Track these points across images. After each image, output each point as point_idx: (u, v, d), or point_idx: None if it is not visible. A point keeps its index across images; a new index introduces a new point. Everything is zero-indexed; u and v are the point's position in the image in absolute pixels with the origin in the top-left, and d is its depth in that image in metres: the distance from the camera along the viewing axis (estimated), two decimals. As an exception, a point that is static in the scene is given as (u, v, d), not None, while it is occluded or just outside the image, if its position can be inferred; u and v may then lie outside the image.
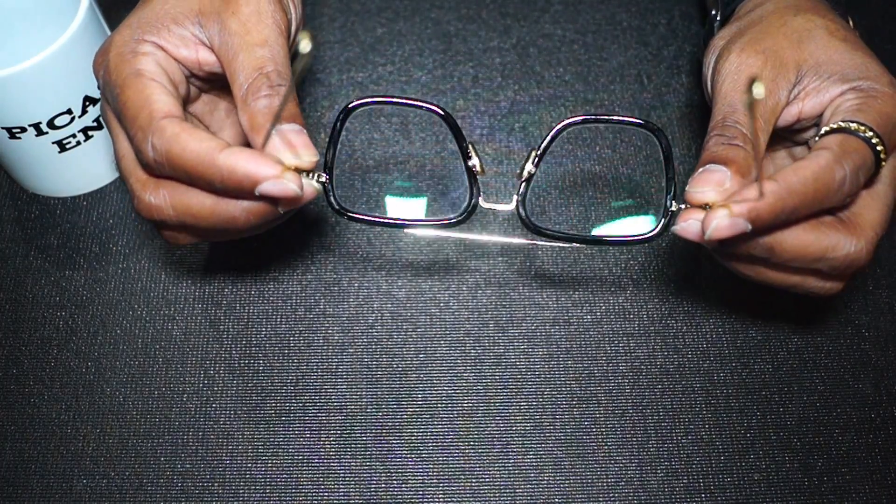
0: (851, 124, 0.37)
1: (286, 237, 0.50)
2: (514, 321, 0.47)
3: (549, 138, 0.39)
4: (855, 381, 0.46)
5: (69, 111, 0.47)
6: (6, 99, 0.44)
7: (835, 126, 0.38)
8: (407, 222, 0.40)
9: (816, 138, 0.39)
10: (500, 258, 0.49)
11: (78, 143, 0.49)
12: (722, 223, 0.35)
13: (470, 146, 0.39)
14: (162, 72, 0.39)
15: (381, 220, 0.40)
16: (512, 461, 0.44)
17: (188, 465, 0.44)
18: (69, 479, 0.43)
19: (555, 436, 0.44)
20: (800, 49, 0.40)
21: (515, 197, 0.40)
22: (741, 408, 0.45)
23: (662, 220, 0.39)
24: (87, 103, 0.47)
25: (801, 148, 0.43)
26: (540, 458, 0.44)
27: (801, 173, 0.36)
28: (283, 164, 0.36)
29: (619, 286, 0.49)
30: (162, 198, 0.38)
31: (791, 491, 0.43)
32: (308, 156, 0.37)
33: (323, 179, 0.38)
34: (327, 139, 0.39)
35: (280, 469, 0.44)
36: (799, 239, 0.37)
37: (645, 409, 0.45)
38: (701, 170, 0.38)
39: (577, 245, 0.41)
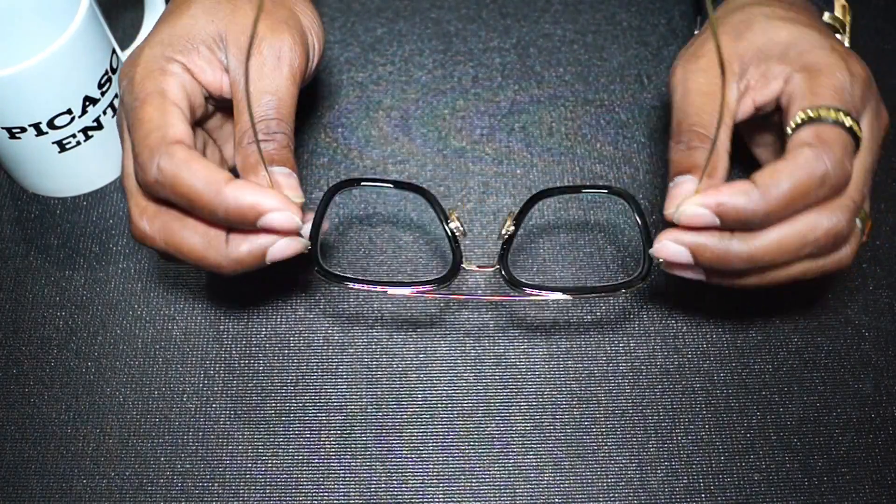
0: (818, 111, 0.37)
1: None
2: (514, 321, 0.47)
3: (521, 207, 0.42)
4: (855, 382, 0.46)
5: (69, 111, 0.47)
6: (6, 99, 0.44)
7: (803, 118, 0.38)
8: (390, 284, 0.41)
9: (789, 129, 0.38)
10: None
11: (78, 143, 0.49)
12: (689, 210, 0.37)
13: (451, 212, 0.41)
14: (185, 97, 0.40)
15: (364, 282, 0.41)
16: (512, 461, 0.44)
17: (188, 465, 0.44)
18: (69, 479, 0.43)
19: (555, 436, 0.44)
20: (738, 42, 0.41)
21: (496, 260, 0.42)
22: (741, 408, 0.45)
23: (644, 266, 0.40)
24: (87, 103, 0.47)
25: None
26: (540, 458, 0.44)
27: (777, 178, 0.36)
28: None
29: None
30: (156, 230, 0.39)
31: (791, 491, 0.43)
32: (294, 198, 0.38)
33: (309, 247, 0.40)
34: (315, 213, 0.41)
35: (280, 469, 0.44)
36: (770, 238, 0.37)
37: (645, 409, 0.45)
38: (671, 185, 0.39)
39: (562, 297, 0.43)
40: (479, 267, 0.42)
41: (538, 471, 0.43)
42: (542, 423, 0.45)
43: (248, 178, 0.39)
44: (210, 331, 0.47)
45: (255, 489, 0.43)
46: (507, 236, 0.41)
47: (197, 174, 0.37)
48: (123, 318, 0.48)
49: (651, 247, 0.39)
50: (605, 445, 0.44)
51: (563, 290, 0.41)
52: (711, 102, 0.39)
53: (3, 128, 0.46)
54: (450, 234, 0.41)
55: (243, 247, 0.38)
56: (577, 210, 0.51)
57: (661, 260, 0.39)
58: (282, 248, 0.39)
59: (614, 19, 0.59)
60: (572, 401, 0.45)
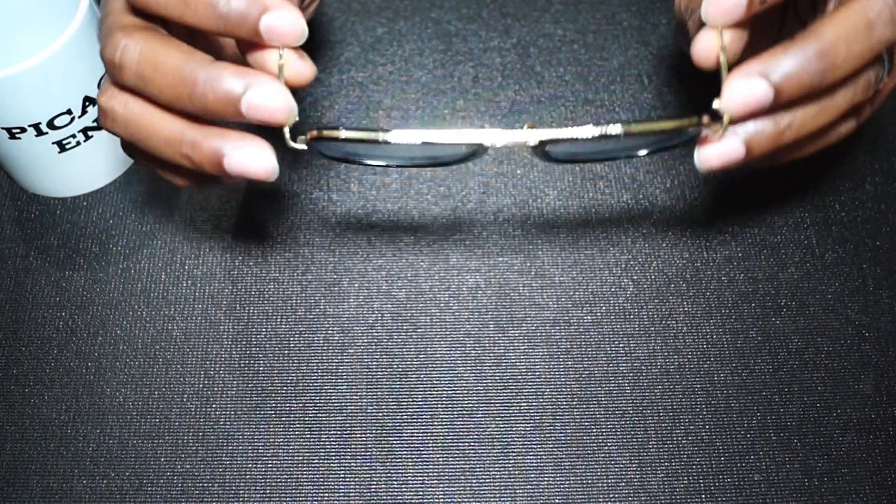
0: None
1: (286, 238, 0.50)
2: (514, 322, 0.47)
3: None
4: (855, 382, 0.46)
5: (69, 111, 0.47)
6: (6, 99, 0.44)
7: None
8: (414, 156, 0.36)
9: None
10: (500, 258, 0.49)
11: (78, 143, 0.48)
12: (738, 92, 0.32)
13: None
14: None
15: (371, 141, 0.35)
16: (512, 462, 0.44)
17: (188, 466, 0.44)
18: (69, 479, 0.43)
19: (555, 436, 0.44)
20: None
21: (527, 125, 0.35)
22: (741, 408, 0.45)
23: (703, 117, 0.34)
24: (87, 103, 0.47)
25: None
26: (540, 459, 0.44)
27: (840, 20, 0.32)
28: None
29: (619, 287, 0.49)
30: (134, 46, 0.33)
31: (791, 492, 0.43)
32: (305, 69, 0.34)
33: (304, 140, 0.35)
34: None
35: (280, 470, 0.44)
36: (838, 24, 0.32)
37: (645, 410, 0.45)
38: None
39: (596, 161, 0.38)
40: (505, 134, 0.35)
41: (538, 471, 0.43)
42: (542, 423, 0.45)
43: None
44: (210, 331, 0.47)
45: (255, 490, 0.43)
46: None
47: (177, 52, 0.33)
48: (123, 318, 0.48)
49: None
50: (605, 446, 0.44)
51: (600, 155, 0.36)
52: None
53: (2, 128, 0.46)
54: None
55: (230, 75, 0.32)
56: (577, 209, 0.51)
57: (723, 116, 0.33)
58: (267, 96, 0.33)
59: (615, 19, 0.59)
60: (572, 401, 0.45)
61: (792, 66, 0.32)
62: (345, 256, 0.50)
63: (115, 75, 0.34)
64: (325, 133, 0.34)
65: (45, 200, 0.52)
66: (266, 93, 0.33)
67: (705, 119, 0.34)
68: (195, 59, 0.33)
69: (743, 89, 0.33)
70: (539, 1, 0.60)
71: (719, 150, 0.34)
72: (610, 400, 0.45)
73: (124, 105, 0.35)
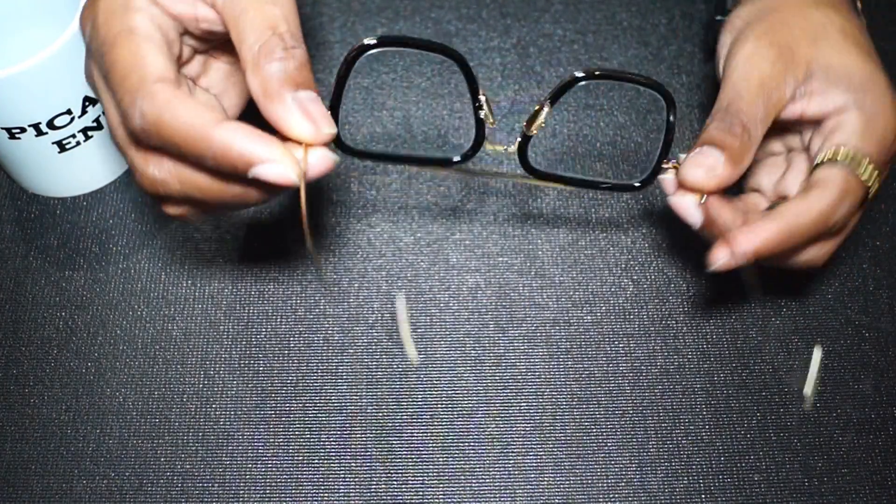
0: (859, 160, 0.39)
1: (286, 238, 0.50)
2: (514, 322, 0.47)
3: (556, 89, 0.39)
4: (855, 382, 0.46)
5: (69, 111, 0.46)
6: (6, 99, 0.44)
7: (843, 155, 0.39)
8: (411, 160, 0.39)
9: (821, 152, 0.40)
10: (500, 258, 0.49)
11: (78, 143, 0.48)
12: (720, 260, 0.39)
13: (483, 97, 0.39)
14: (156, 28, 0.35)
15: (387, 157, 0.40)
16: (512, 462, 0.44)
17: (188, 466, 0.44)
18: (69, 479, 0.43)
19: (555, 437, 0.44)
20: (813, 47, 0.41)
21: (518, 139, 0.40)
22: (741, 408, 0.45)
23: (650, 172, 0.41)
24: (87, 103, 0.47)
25: (795, 139, 0.44)
26: (540, 459, 0.44)
27: (803, 216, 0.38)
28: (290, 144, 0.34)
29: (619, 287, 0.49)
30: (166, 171, 0.35)
31: (791, 492, 0.43)
32: (327, 128, 0.34)
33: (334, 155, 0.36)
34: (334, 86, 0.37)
35: (280, 470, 0.44)
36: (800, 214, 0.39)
37: (645, 410, 0.45)
38: (697, 150, 0.39)
39: (573, 188, 0.43)
40: (501, 146, 0.40)
41: (538, 471, 0.43)
42: (542, 423, 0.45)
43: (273, 106, 0.34)
44: (210, 331, 0.47)
45: (255, 490, 0.43)
46: (531, 119, 0.39)
47: (181, 116, 0.33)
48: (123, 318, 0.48)
49: (666, 160, 0.40)
50: (605, 446, 0.44)
51: (577, 183, 0.42)
52: (767, 96, 0.40)
53: (2, 128, 0.46)
54: (478, 105, 0.39)
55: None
56: (577, 209, 0.51)
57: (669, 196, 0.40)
58: (318, 163, 0.35)
59: (614, 19, 0.59)
60: (572, 401, 0.45)
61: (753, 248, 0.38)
62: (345, 256, 0.50)
63: (161, 199, 0.37)
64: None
65: (45, 200, 0.52)
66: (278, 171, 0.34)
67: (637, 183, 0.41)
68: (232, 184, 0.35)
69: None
70: (539, 1, 0.60)
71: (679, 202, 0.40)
72: (610, 400, 0.45)
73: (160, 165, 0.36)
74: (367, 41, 0.36)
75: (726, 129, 0.39)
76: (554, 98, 0.39)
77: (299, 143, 0.34)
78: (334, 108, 0.37)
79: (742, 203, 0.42)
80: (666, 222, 0.51)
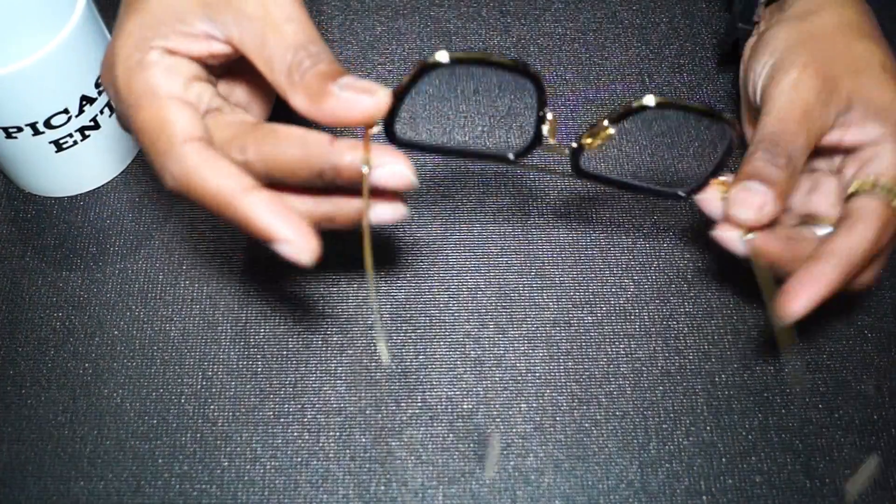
0: (891, 188, 0.40)
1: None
2: (515, 323, 0.47)
3: (624, 111, 0.38)
4: (857, 383, 0.46)
5: (66, 111, 0.46)
6: (2, 98, 0.44)
7: (883, 185, 0.40)
8: (469, 150, 0.39)
9: (857, 181, 0.41)
10: (500, 259, 0.49)
11: (75, 142, 0.48)
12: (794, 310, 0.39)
13: (550, 114, 0.38)
14: (177, 82, 0.36)
15: (441, 150, 0.40)
16: (512, 463, 0.44)
17: (186, 468, 0.43)
18: (66, 481, 0.43)
19: (555, 438, 0.44)
20: (856, 80, 0.42)
21: (573, 145, 0.40)
22: (743, 409, 0.45)
23: (697, 184, 0.41)
24: (84, 103, 0.47)
25: (822, 161, 0.45)
26: (540, 460, 0.44)
27: (854, 251, 0.39)
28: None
29: (620, 287, 0.48)
30: (252, 154, 0.36)
31: (793, 493, 0.43)
32: (381, 91, 0.35)
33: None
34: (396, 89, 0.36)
35: (278, 471, 0.43)
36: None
37: (646, 411, 0.45)
38: (743, 185, 0.39)
39: (619, 189, 0.44)
40: (557, 144, 0.39)
41: (538, 473, 0.43)
42: (543, 424, 0.44)
43: (322, 105, 0.35)
44: (208, 332, 0.47)
45: (253, 491, 0.43)
46: (592, 132, 0.39)
47: (208, 182, 0.34)
48: (121, 319, 0.47)
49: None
50: (606, 447, 0.44)
51: (615, 184, 0.42)
52: (810, 126, 0.40)
53: (-1, 127, 0.46)
54: (541, 117, 0.38)
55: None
56: (578, 209, 0.51)
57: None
58: (384, 213, 0.39)
59: (615, 17, 0.59)
60: (572, 402, 0.45)
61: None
62: (344, 257, 0.49)
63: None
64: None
65: (42, 200, 0.52)
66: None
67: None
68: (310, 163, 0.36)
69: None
70: (539, -1, 0.59)
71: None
72: (611, 401, 0.45)
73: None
74: (439, 58, 0.35)
75: (772, 162, 0.39)
76: (618, 119, 0.38)
77: (359, 132, 0.36)
78: (390, 120, 0.36)
79: (782, 229, 0.42)
80: (667, 223, 0.50)
